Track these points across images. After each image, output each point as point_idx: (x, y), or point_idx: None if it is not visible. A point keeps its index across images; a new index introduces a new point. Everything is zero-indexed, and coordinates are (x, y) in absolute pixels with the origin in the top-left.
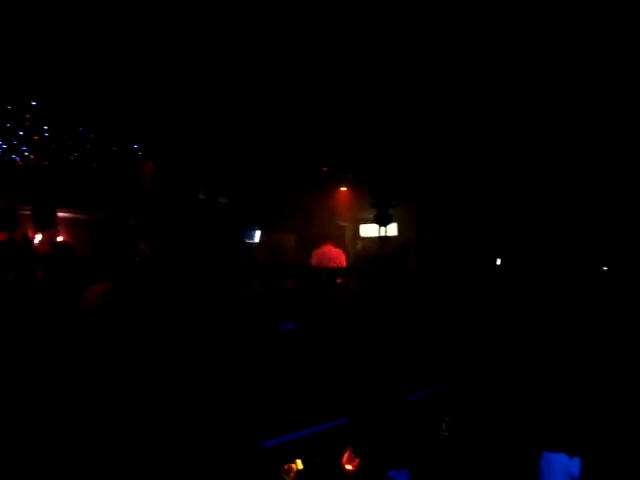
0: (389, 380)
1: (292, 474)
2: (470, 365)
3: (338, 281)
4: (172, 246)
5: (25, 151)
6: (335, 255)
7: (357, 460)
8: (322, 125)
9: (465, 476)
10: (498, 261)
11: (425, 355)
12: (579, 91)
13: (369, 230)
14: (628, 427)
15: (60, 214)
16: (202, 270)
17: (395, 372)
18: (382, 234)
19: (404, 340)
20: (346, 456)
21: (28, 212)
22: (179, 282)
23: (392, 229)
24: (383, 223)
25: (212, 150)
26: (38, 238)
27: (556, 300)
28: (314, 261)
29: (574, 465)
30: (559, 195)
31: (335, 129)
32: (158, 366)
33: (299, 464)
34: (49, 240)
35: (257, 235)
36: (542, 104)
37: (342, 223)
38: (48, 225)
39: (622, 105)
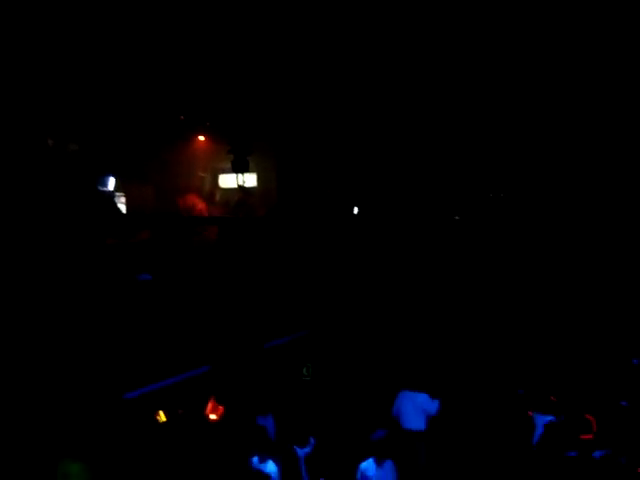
0: (251, 327)
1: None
2: (330, 310)
3: (200, 230)
4: (17, 195)
5: None
6: (198, 205)
7: (221, 409)
8: (178, 71)
9: (327, 418)
10: (355, 210)
11: (285, 302)
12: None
13: (228, 180)
14: (483, 369)
15: None
16: (50, 220)
17: (256, 319)
18: (241, 184)
19: (265, 287)
20: (210, 406)
21: None
22: (25, 231)
23: (252, 180)
24: (240, 170)
25: (62, 93)
26: None
27: (411, 246)
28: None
29: (432, 404)
30: (417, 150)
31: (191, 75)
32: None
33: (162, 416)
34: None
35: (111, 183)
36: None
37: (201, 173)
38: None
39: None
